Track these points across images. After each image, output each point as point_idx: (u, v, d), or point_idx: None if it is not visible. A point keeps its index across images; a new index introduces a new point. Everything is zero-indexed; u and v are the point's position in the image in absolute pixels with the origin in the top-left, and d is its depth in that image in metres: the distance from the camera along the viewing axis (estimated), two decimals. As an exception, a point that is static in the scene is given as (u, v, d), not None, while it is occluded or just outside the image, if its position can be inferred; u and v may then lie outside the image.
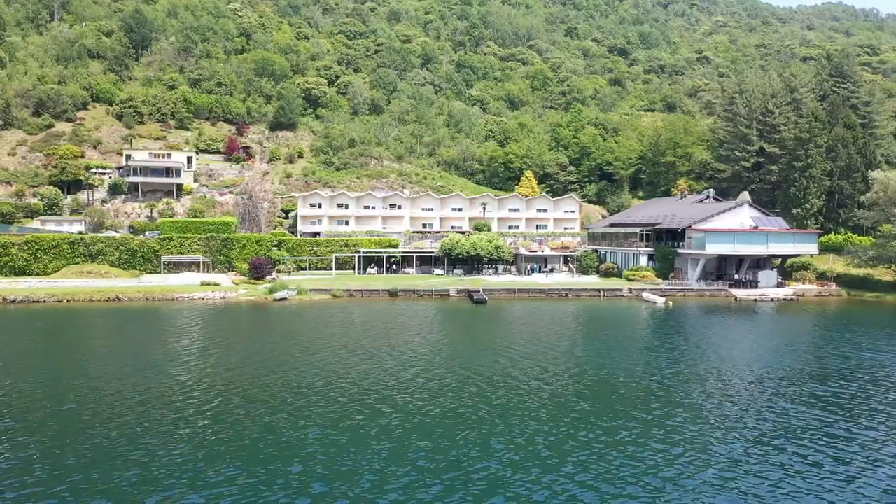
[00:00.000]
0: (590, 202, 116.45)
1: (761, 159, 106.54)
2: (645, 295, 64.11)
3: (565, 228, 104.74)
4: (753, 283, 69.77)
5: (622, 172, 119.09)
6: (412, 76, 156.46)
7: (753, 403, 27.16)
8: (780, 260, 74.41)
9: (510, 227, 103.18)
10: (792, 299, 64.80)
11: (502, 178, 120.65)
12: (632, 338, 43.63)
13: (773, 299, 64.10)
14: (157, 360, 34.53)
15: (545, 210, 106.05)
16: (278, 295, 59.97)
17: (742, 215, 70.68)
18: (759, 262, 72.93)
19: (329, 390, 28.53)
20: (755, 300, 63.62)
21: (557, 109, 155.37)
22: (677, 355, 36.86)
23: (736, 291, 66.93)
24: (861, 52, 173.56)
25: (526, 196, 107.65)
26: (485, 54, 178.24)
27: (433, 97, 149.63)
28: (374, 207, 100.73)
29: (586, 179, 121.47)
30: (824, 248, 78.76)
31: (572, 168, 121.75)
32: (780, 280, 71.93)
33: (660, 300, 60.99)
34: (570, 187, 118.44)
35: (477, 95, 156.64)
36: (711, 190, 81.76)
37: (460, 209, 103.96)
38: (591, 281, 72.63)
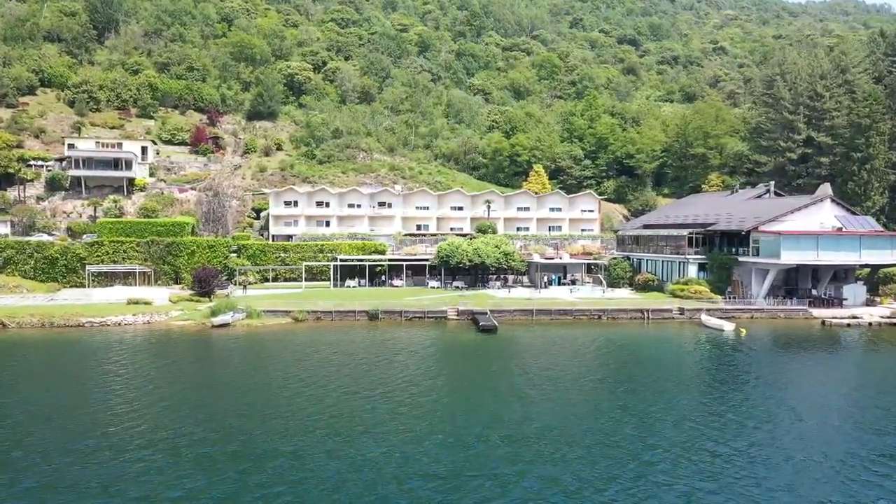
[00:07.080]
0: (608, 200, 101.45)
1: (808, 150, 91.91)
2: (704, 318, 48.89)
3: (582, 230, 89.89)
4: (837, 301, 54.55)
5: (645, 166, 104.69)
6: (408, 63, 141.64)
7: None
8: (866, 271, 58.97)
9: (518, 229, 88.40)
10: (894, 323, 49.64)
11: (508, 173, 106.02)
12: (710, 402, 28.73)
13: (870, 324, 49.03)
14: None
15: (559, 209, 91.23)
16: (218, 320, 44.79)
17: (822, 214, 55.01)
18: (837, 274, 57.79)
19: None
20: (847, 324, 48.56)
21: (567, 99, 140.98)
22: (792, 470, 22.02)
23: (818, 312, 51.65)
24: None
25: (536, 193, 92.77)
26: (486, 44, 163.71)
27: (430, 85, 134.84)
28: (359, 206, 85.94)
29: (604, 174, 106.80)
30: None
31: (587, 162, 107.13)
32: (868, 296, 56.64)
33: (728, 326, 45.91)
34: (585, 183, 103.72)
35: (479, 84, 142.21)
36: (772, 182, 66.19)
37: (461, 208, 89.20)
38: (629, 298, 57.12)
